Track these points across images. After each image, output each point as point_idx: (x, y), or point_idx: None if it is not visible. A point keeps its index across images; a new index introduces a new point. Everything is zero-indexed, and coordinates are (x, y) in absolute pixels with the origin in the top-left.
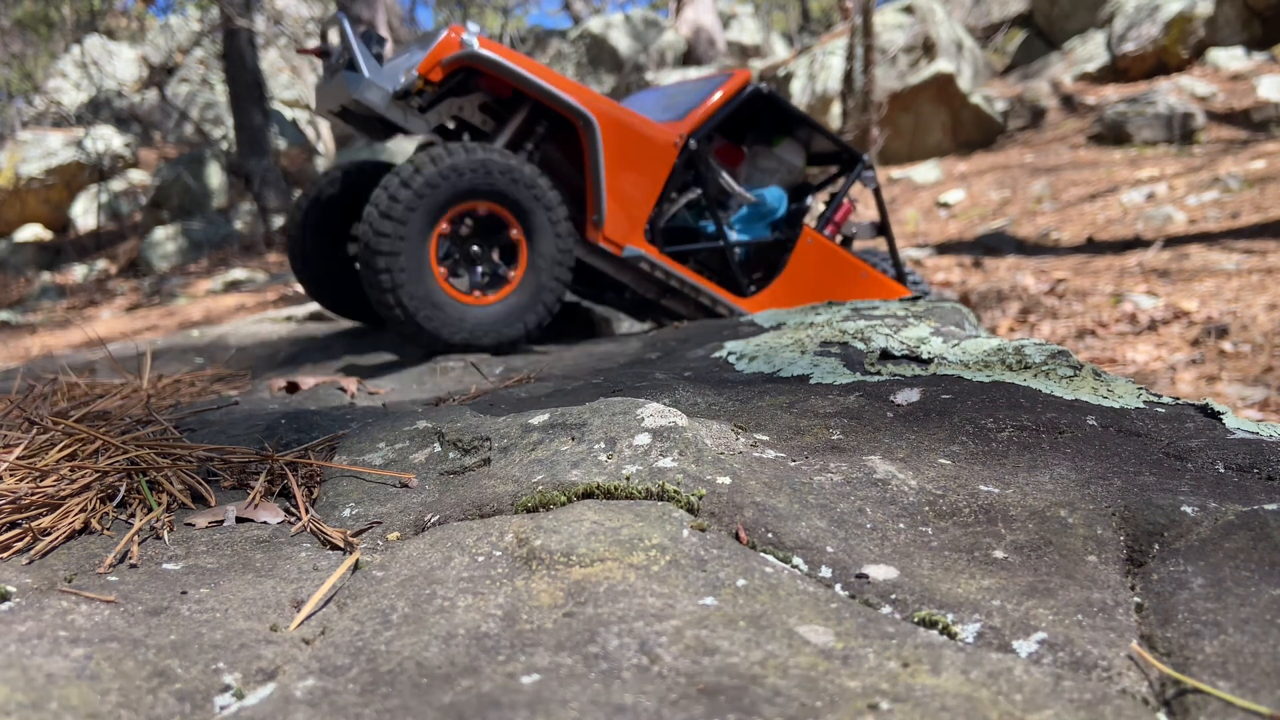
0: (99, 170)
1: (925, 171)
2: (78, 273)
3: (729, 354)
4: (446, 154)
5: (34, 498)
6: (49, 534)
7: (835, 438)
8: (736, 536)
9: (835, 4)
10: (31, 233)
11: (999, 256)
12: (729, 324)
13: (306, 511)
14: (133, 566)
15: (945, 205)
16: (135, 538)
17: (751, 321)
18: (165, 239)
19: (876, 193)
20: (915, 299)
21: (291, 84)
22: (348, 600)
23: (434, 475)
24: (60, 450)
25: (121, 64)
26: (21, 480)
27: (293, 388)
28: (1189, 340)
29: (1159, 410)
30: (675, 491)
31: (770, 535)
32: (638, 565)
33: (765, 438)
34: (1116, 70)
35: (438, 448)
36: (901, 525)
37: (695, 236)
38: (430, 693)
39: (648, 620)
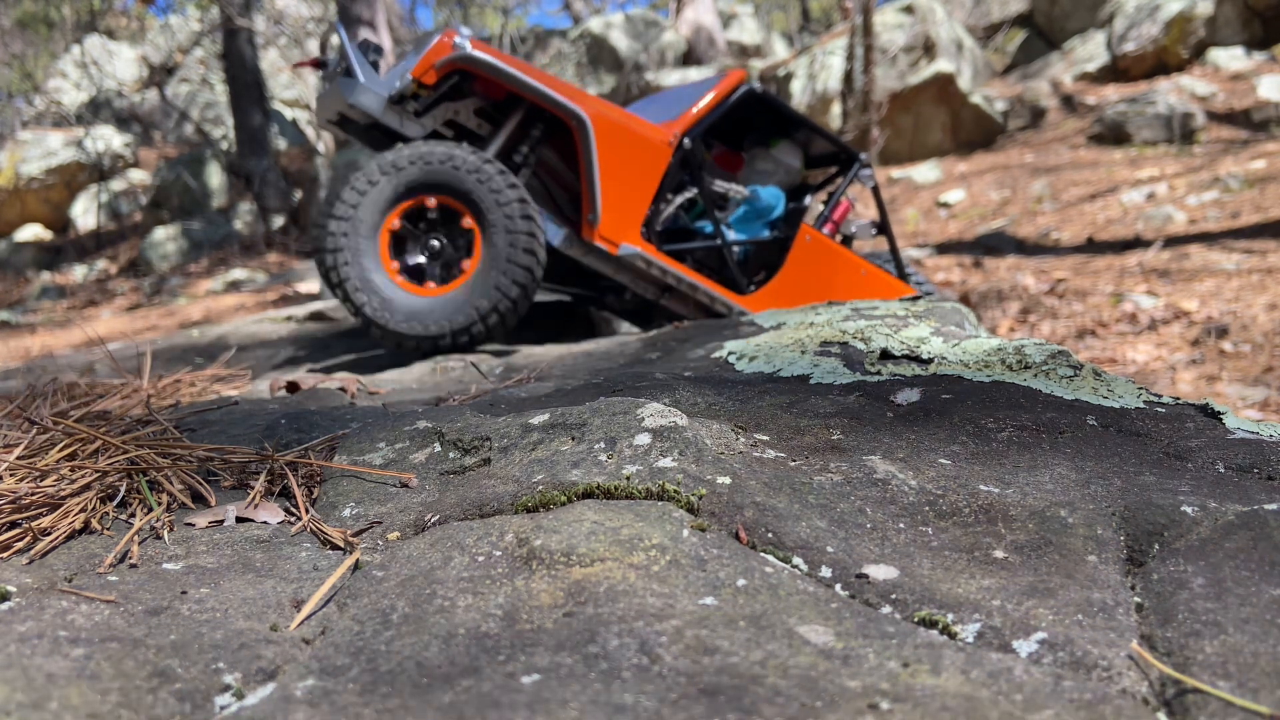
0: (99, 170)
1: (925, 171)
2: (78, 273)
3: (729, 354)
4: (391, 153)
5: (34, 498)
6: (49, 534)
7: (835, 438)
8: (736, 536)
9: (835, 4)
10: (31, 233)
11: (999, 256)
12: (729, 323)
13: (306, 511)
14: (133, 566)
15: (945, 205)
16: (135, 538)
17: (752, 321)
18: (165, 239)
19: (875, 191)
20: (916, 298)
21: (291, 84)
22: (348, 600)
23: (434, 475)
24: (60, 450)
25: (121, 64)
26: (21, 480)
27: (293, 388)
28: (1189, 340)
29: (1159, 410)
30: (675, 491)
31: (770, 535)
32: (638, 565)
33: (765, 437)
34: (1116, 70)
35: (438, 448)
36: (901, 525)
37: (693, 237)
38: (430, 693)
39: (648, 620)
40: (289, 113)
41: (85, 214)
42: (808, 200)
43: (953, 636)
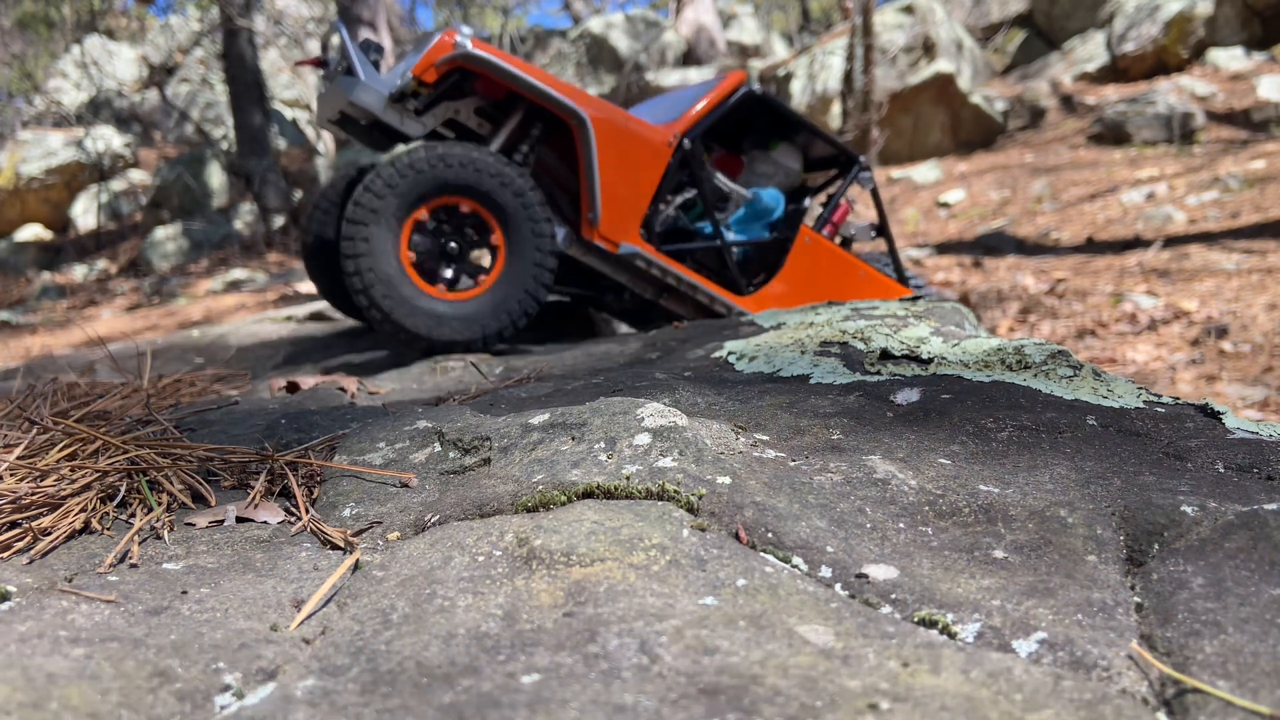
0: (99, 170)
1: (925, 171)
2: (78, 273)
3: (729, 354)
4: (437, 145)
5: (34, 497)
6: (49, 534)
7: (835, 437)
8: (736, 536)
9: (835, 4)
10: (32, 233)
11: (999, 256)
12: (729, 323)
13: (306, 511)
14: (133, 566)
15: (945, 205)
16: (135, 537)
17: (751, 321)
18: (165, 239)
19: (874, 194)
20: (915, 299)
21: (291, 84)
22: (348, 600)
23: (434, 475)
24: (60, 450)
25: (121, 64)
26: (22, 480)
27: (293, 388)
28: (1189, 340)
29: (1159, 410)
30: (675, 491)
31: (770, 535)
32: (638, 565)
33: (765, 437)
34: (1116, 70)
35: (438, 447)
36: (901, 525)
37: (693, 238)
38: (430, 692)
39: (648, 620)
40: (289, 113)
41: (85, 214)
42: (807, 202)
43: (953, 636)
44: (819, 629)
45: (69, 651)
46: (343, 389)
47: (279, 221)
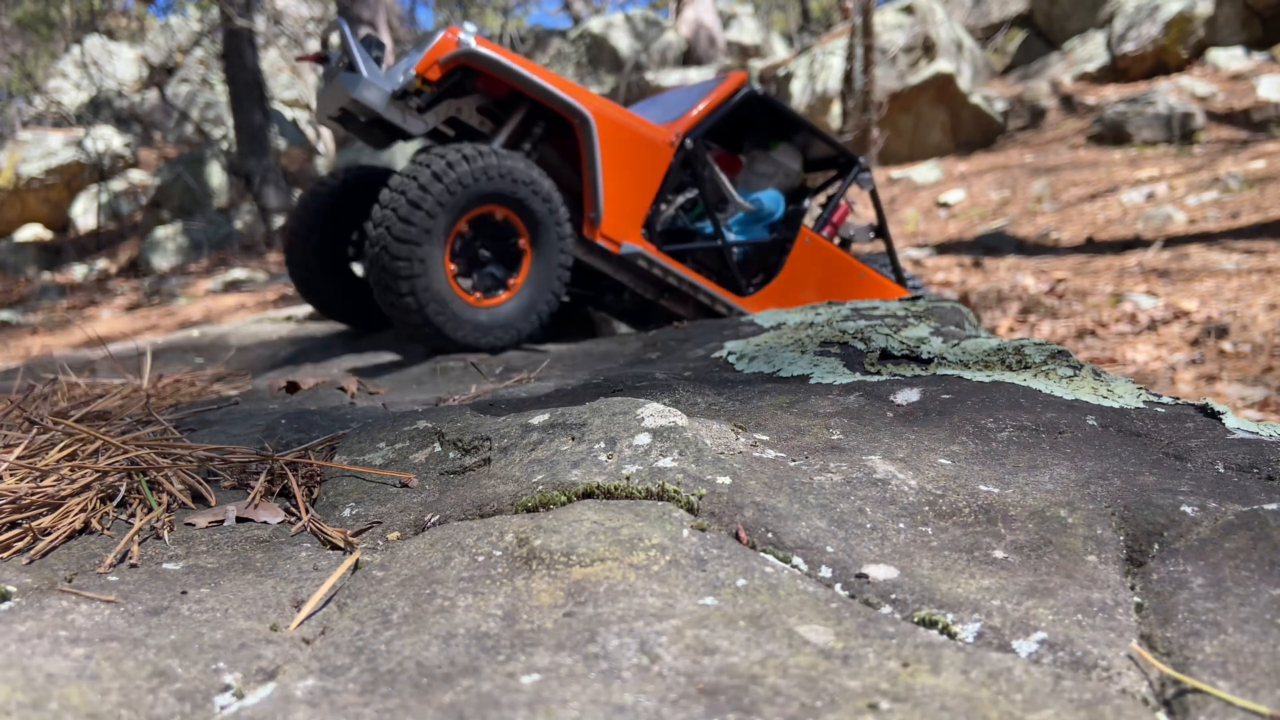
0: (99, 170)
1: (925, 171)
2: (78, 273)
3: (729, 354)
4: (478, 154)
5: (34, 498)
6: (49, 534)
7: (835, 438)
8: (736, 536)
9: (835, 4)
10: (32, 233)
11: (999, 256)
12: (729, 323)
13: (306, 511)
14: (133, 566)
15: (945, 205)
16: (135, 537)
17: (751, 321)
18: (165, 239)
19: (874, 195)
20: (915, 299)
21: (291, 84)
22: (348, 600)
23: (434, 475)
24: (60, 450)
25: (121, 64)
26: (21, 480)
27: (293, 388)
28: (1189, 340)
29: (1159, 410)
30: (675, 491)
31: (770, 535)
32: (638, 565)
33: (765, 437)
34: (1116, 70)
35: (438, 448)
36: (901, 525)
37: (693, 238)
38: (430, 692)
39: (648, 620)
40: (289, 113)
41: (85, 214)
42: (807, 203)
43: (952, 636)
44: (819, 629)
45: (69, 651)
46: (343, 389)
47: (279, 221)
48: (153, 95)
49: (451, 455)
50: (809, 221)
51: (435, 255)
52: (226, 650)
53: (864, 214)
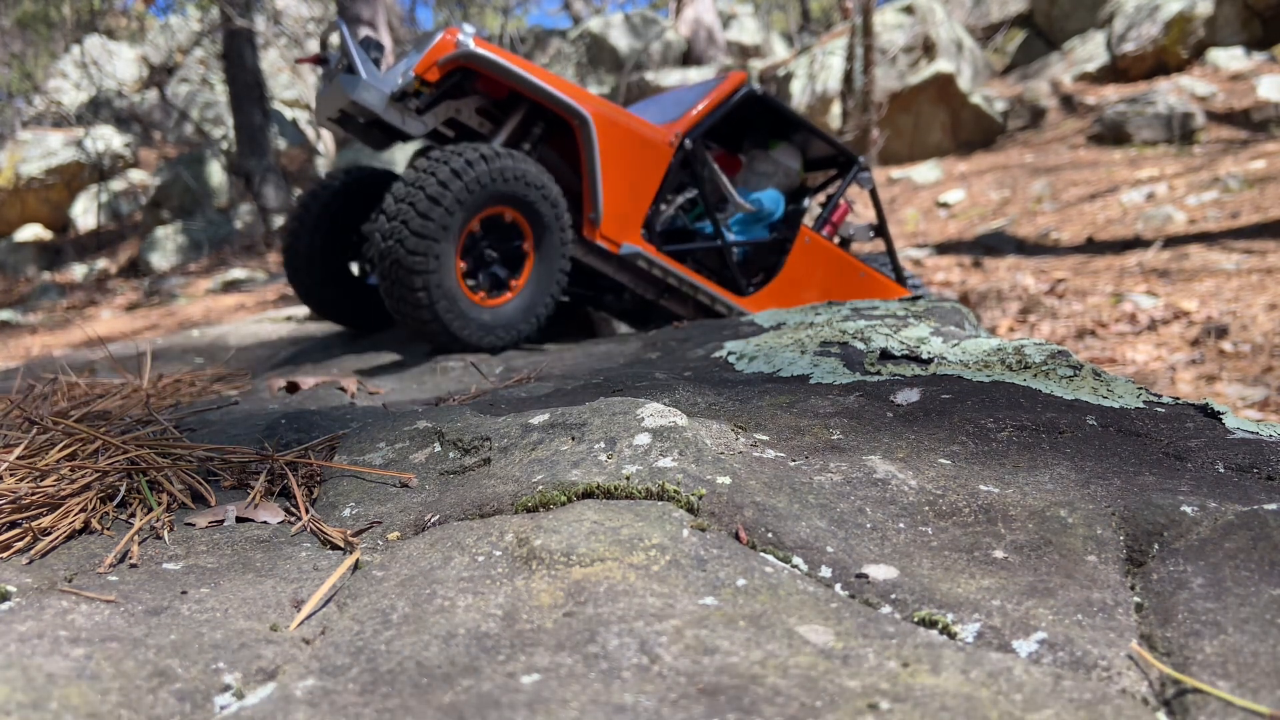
0: (99, 170)
1: (925, 171)
2: (78, 272)
3: (729, 354)
4: (495, 155)
5: (34, 497)
6: (49, 534)
7: (835, 438)
8: (736, 536)
9: (835, 4)
10: (31, 233)
11: (999, 256)
12: (729, 324)
13: (306, 511)
14: (133, 566)
15: (945, 205)
16: (135, 537)
17: (751, 321)
18: (165, 239)
19: (873, 194)
20: (915, 299)
21: (291, 84)
22: (348, 600)
23: (434, 475)
24: (60, 450)
25: (121, 64)
26: (21, 480)
27: (293, 388)
28: (1189, 340)
29: (1159, 410)
30: (675, 491)
31: (770, 535)
32: (638, 565)
33: (765, 437)
34: (1116, 70)
35: (438, 447)
36: (901, 525)
37: (693, 238)
38: (430, 692)
39: (648, 620)
40: (289, 113)
41: (85, 214)
42: (807, 202)
43: (952, 636)
44: (819, 629)
45: (69, 651)
46: (343, 389)
47: (279, 221)
48: (153, 95)
49: (451, 455)
50: (809, 221)
51: (449, 252)
52: (226, 650)
53: (864, 213)
